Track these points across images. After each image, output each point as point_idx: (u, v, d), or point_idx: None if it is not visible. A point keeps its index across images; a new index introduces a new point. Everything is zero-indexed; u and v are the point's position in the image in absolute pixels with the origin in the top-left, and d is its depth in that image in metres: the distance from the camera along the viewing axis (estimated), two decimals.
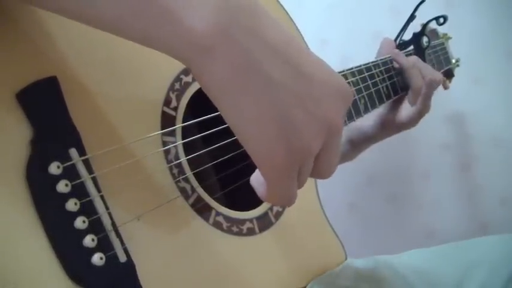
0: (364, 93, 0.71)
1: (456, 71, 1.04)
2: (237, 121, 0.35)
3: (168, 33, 0.33)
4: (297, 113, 0.35)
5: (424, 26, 0.89)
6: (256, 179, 0.40)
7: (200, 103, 0.52)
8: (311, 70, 0.36)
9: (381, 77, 0.77)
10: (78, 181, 0.38)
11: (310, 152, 0.37)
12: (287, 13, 0.64)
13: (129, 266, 0.40)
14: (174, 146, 0.48)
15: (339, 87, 0.38)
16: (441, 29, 0.99)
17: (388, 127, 0.84)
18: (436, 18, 0.90)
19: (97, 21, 0.34)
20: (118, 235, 0.40)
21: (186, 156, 0.49)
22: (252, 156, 0.36)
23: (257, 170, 0.40)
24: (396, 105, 0.83)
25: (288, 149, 0.35)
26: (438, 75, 0.83)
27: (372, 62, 0.76)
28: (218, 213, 0.50)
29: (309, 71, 0.36)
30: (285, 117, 0.35)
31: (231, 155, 0.54)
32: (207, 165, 0.54)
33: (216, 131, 0.51)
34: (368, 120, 0.85)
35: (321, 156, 0.38)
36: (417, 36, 0.88)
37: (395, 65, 0.82)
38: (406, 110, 0.82)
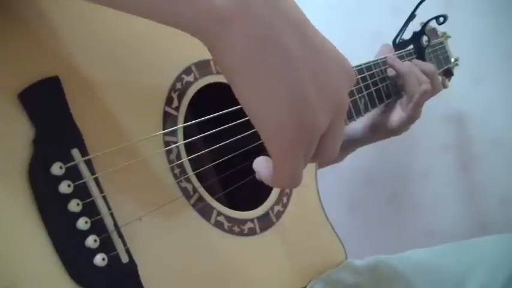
0: (364, 92, 0.71)
1: (456, 71, 1.04)
2: (249, 95, 0.35)
3: (185, 5, 0.32)
4: (310, 88, 0.35)
5: (424, 25, 0.89)
6: (259, 163, 0.40)
7: (202, 103, 0.52)
8: (324, 48, 0.37)
9: (381, 76, 0.77)
10: (81, 182, 0.38)
11: (319, 128, 0.36)
12: None
13: (131, 266, 0.40)
14: (175, 146, 0.48)
15: (346, 67, 0.39)
16: (440, 28, 0.99)
17: (378, 131, 0.83)
18: (436, 18, 0.90)
19: None
20: (120, 235, 0.40)
21: (187, 156, 0.49)
22: (261, 132, 0.36)
23: (258, 158, 0.40)
24: (388, 109, 0.82)
25: (298, 124, 0.35)
26: (436, 80, 0.82)
27: (372, 61, 0.76)
28: (219, 213, 0.50)
29: (322, 48, 0.37)
30: (298, 92, 0.35)
31: (232, 155, 0.54)
32: (208, 165, 0.54)
33: (217, 130, 0.51)
34: (357, 123, 0.84)
35: (328, 134, 0.38)
36: (417, 35, 0.88)
37: (390, 73, 0.79)
38: (397, 114, 0.80)
